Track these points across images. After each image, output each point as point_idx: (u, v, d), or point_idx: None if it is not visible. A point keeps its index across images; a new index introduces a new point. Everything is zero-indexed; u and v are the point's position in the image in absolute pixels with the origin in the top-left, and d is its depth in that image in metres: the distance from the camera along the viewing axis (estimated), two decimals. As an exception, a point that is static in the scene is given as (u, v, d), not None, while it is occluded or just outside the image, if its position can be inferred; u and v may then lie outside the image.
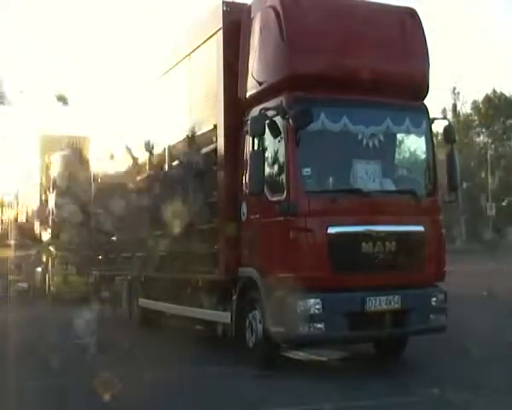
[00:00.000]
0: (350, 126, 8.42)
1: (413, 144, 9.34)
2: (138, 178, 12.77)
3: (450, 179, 9.17)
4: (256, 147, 8.37)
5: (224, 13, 9.39)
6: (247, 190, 8.74)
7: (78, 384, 7.86)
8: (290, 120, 8.11)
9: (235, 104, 9.21)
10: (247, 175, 8.61)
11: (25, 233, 23.41)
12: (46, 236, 20.82)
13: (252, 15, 9.12)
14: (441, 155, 9.45)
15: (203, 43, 10.08)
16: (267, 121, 8.28)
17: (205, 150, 9.99)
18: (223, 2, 9.40)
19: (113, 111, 14.18)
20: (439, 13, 66.20)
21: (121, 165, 13.79)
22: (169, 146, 11.27)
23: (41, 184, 22.34)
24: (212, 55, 9.64)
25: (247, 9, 9.30)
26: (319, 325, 7.91)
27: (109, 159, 14.25)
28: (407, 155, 9.62)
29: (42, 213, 21.57)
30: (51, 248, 19.98)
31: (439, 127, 9.54)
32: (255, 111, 8.59)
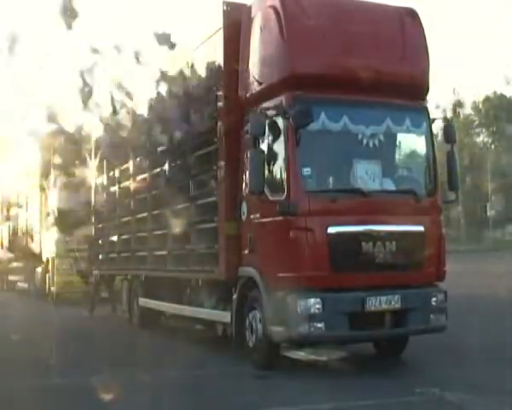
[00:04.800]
0: (350, 126, 8.42)
1: (413, 144, 9.33)
2: (138, 177, 12.77)
3: (450, 179, 9.17)
4: (256, 147, 8.36)
5: (225, 13, 9.39)
6: (247, 190, 8.74)
7: (78, 384, 7.86)
8: (290, 120, 8.10)
9: (235, 104, 9.22)
10: (248, 175, 8.61)
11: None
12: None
13: (252, 15, 9.12)
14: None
15: (203, 42, 10.09)
16: (267, 121, 8.28)
17: (205, 150, 9.99)
18: (223, 1, 9.40)
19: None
20: (439, 12, 66.20)
21: (121, 163, 13.77)
22: (170, 146, 11.25)
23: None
24: (213, 55, 9.66)
25: (247, 9, 9.30)
26: (319, 325, 7.91)
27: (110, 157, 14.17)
28: (407, 155, 9.61)
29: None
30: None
31: (439, 127, 9.57)
32: (255, 111, 8.59)
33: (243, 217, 9.00)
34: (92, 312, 15.48)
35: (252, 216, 8.82)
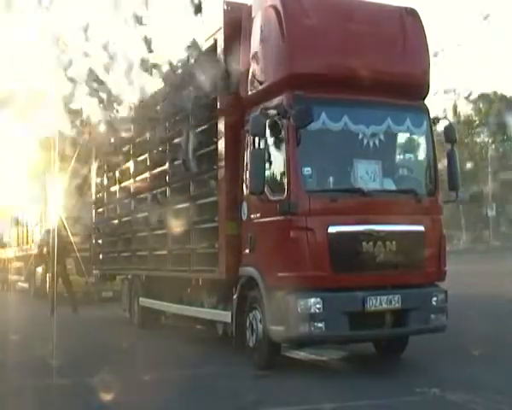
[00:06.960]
0: (350, 126, 8.41)
1: (413, 144, 9.32)
2: (138, 177, 12.77)
3: (450, 179, 9.16)
4: (257, 146, 8.36)
5: (225, 12, 9.38)
6: (247, 190, 8.73)
7: (78, 384, 7.86)
8: (291, 120, 8.10)
9: (235, 103, 9.21)
10: (248, 174, 8.60)
11: None
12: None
13: (252, 15, 9.11)
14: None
15: (203, 42, 10.08)
16: (268, 121, 8.27)
17: (206, 150, 9.99)
18: (223, 1, 9.39)
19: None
20: (439, 12, 66.17)
21: (121, 163, 13.76)
22: (170, 146, 11.25)
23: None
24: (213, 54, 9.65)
25: (247, 9, 9.28)
26: (319, 325, 7.90)
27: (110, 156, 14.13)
28: (407, 154, 9.60)
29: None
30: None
31: (439, 127, 9.54)
32: (256, 110, 8.58)
33: (243, 217, 8.99)
34: (52, 313, 14.73)
35: (252, 216, 8.81)
